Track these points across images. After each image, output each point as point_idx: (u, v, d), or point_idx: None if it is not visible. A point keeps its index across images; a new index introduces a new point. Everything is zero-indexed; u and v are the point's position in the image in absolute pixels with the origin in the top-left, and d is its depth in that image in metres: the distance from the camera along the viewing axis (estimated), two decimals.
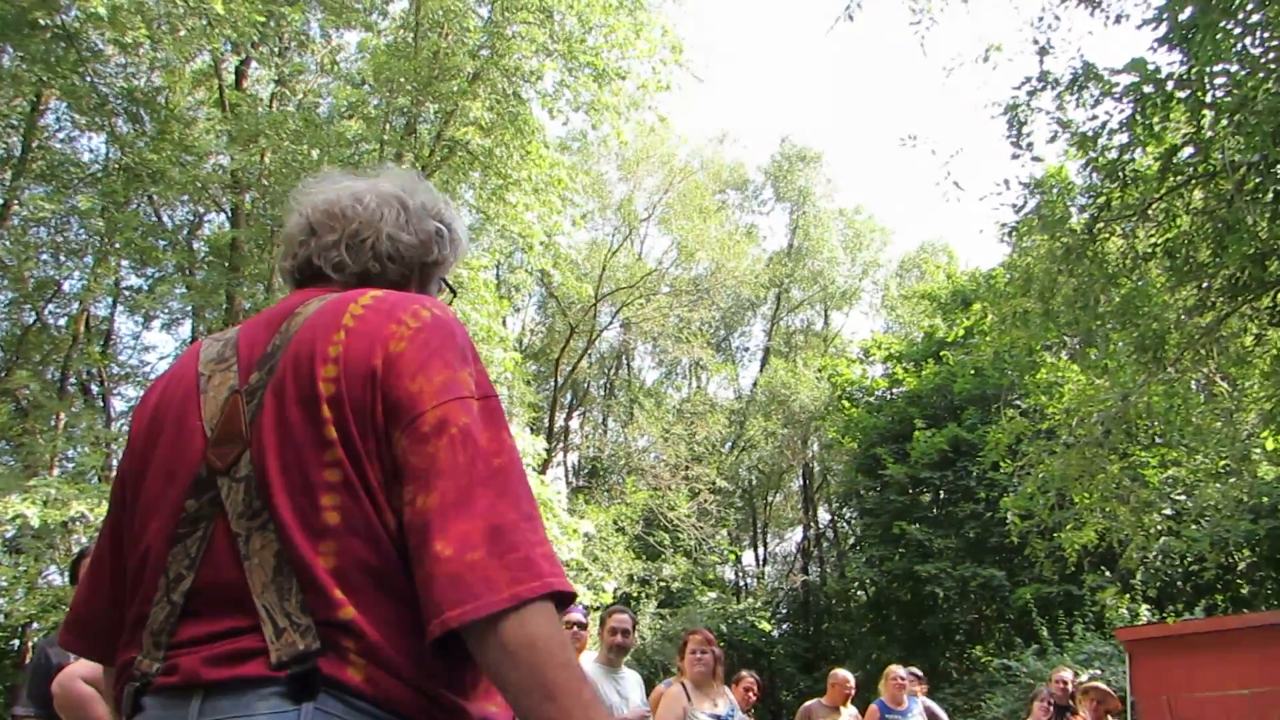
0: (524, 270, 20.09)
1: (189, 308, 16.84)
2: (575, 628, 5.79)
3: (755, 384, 31.13)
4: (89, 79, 12.59)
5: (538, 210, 14.54)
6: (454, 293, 1.76)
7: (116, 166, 14.28)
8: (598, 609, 16.43)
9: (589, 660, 5.70)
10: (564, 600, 1.22)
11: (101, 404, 18.43)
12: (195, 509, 1.30)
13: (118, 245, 14.38)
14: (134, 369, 19.98)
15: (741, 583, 30.76)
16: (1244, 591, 19.03)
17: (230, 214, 15.32)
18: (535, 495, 1.30)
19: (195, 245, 17.42)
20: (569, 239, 18.88)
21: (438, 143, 14.50)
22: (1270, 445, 10.70)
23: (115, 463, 18.09)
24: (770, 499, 32.22)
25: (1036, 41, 8.37)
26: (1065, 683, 8.68)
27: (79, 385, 18.25)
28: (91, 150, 16.69)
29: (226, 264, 14.53)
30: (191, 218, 18.44)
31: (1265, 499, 16.33)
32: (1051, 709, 8.28)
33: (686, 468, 25.33)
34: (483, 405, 1.30)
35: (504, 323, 15.22)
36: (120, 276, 17.16)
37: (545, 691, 1.15)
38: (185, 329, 18.99)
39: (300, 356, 1.32)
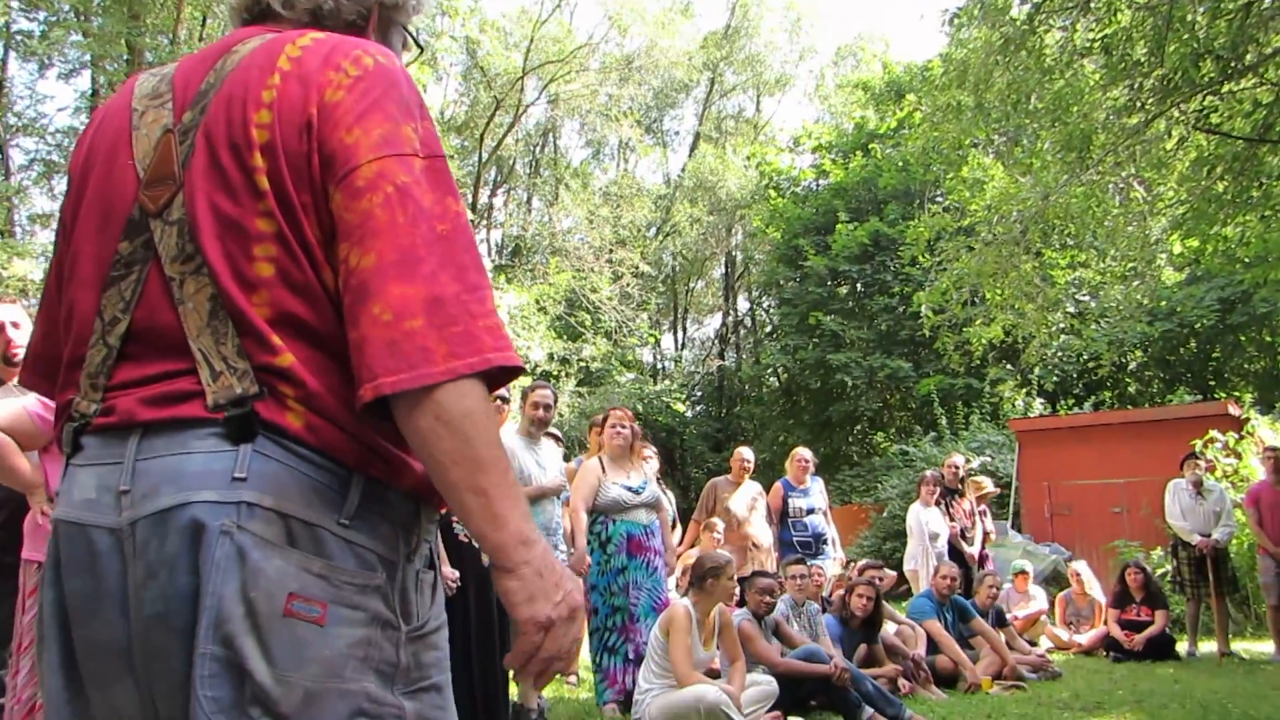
0: (449, 35, 19.05)
1: (87, 57, 15.75)
2: (498, 401, 5.88)
3: (683, 169, 30.76)
4: None
5: None
6: (421, 49, 1.66)
7: None
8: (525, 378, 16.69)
9: (510, 431, 5.82)
10: (510, 374, 1.20)
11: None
12: (129, 251, 1.28)
13: None
14: (31, 120, 18.89)
15: (659, 365, 31.48)
16: (1131, 390, 20.17)
17: None
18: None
19: None
20: (497, 3, 17.86)
21: None
22: (1177, 249, 11.02)
23: (18, 216, 17.39)
24: (692, 285, 32.56)
25: None
26: (957, 467, 9.18)
27: None
28: None
29: (126, 11, 13.48)
30: None
31: (1164, 303, 17.05)
32: (937, 490, 8.79)
33: (610, 250, 25.25)
34: (427, 165, 1.24)
35: (424, 89, 14.54)
36: (10, 18, 15.87)
37: (477, 464, 1.15)
38: (84, 80, 17.90)
39: (233, 98, 1.26)
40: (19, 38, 16.65)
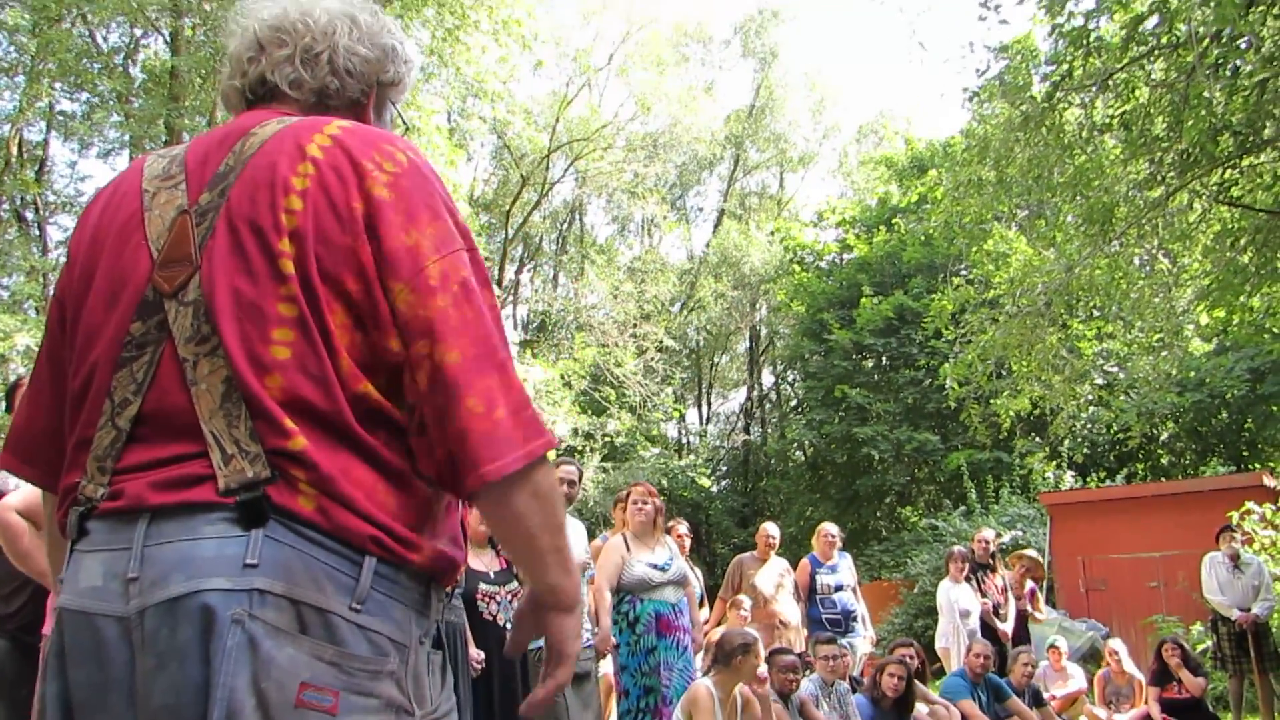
0: (478, 117, 19.52)
1: (126, 137, 16.24)
2: None
3: (708, 245, 31.02)
4: None
5: (495, 54, 14.04)
6: (406, 126, 1.72)
7: None
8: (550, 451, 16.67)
9: None
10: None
11: (37, 232, 17.92)
12: (141, 332, 1.27)
13: (50, 66, 13.64)
14: (70, 198, 19.39)
15: (684, 440, 31.38)
16: (1164, 461, 19.87)
17: (169, 40, 14.60)
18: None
19: (132, 71, 16.64)
20: (526, 86, 18.34)
21: None
22: (1204, 320, 10.97)
23: (52, 293, 17.80)
24: (716, 359, 32.57)
25: None
26: (987, 542, 9.03)
27: (13, 212, 17.69)
28: None
29: (166, 92, 13.93)
30: (127, 41, 17.57)
31: (1193, 373, 16.89)
32: (966, 566, 8.64)
33: (635, 325, 25.39)
34: (471, 257, 1.31)
35: (455, 168, 14.86)
36: (54, 99, 16.40)
37: (558, 528, 1.31)
38: (123, 159, 18.40)
39: (258, 183, 1.27)
40: (61, 118, 17.19)
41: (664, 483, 22.51)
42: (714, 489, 26.91)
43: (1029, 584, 9.14)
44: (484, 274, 1.33)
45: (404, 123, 1.67)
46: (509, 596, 5.04)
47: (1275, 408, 18.39)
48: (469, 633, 4.75)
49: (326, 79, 1.47)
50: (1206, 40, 6.75)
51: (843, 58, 52.46)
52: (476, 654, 4.74)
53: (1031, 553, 9.57)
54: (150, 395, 1.24)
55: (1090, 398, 15.03)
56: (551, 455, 1.34)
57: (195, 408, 1.21)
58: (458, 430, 1.22)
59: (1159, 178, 8.13)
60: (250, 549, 1.15)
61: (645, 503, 5.96)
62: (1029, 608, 8.99)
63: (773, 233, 29.22)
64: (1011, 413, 12.15)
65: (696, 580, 7.33)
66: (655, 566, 5.78)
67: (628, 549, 5.79)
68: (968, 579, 8.59)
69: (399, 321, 1.24)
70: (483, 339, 1.25)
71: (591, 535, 7.12)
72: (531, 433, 1.25)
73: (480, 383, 1.22)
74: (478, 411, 1.21)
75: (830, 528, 8.27)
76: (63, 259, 17.89)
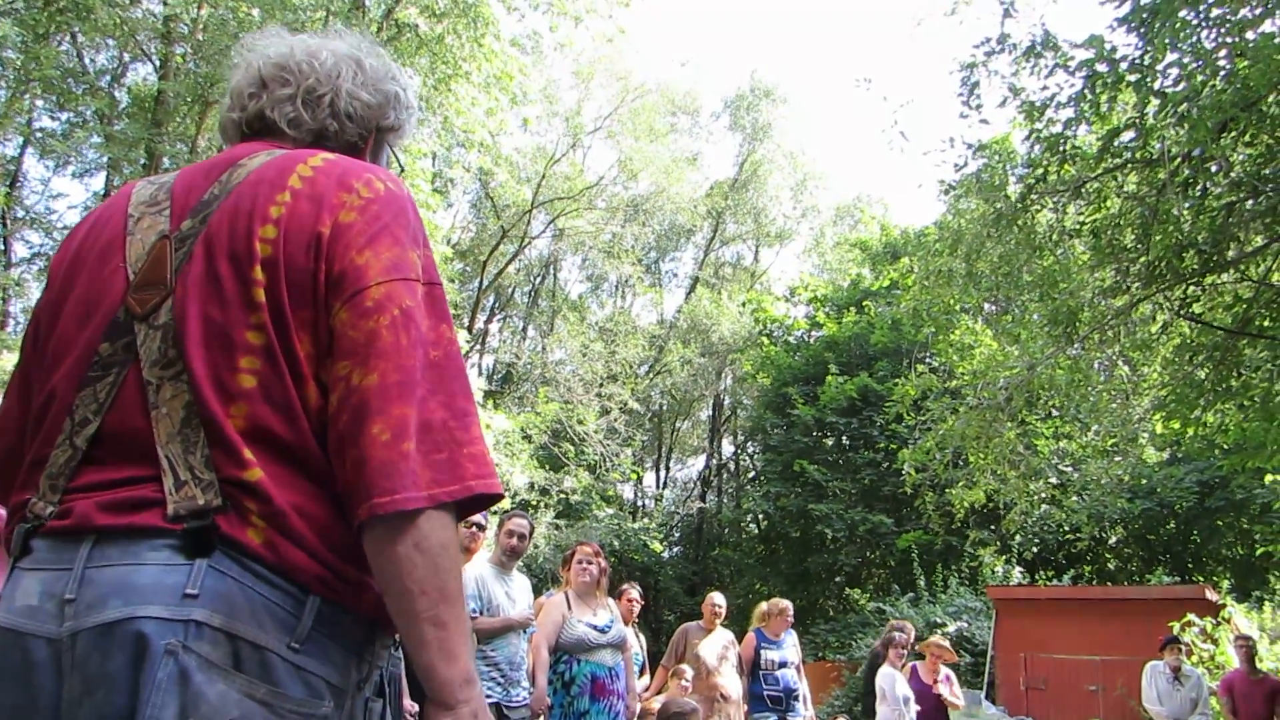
0: (461, 165, 19.63)
1: (105, 159, 16.12)
2: (474, 528, 5.80)
3: (679, 310, 31.24)
4: None
5: (485, 105, 14.18)
6: (402, 168, 1.70)
7: None
8: (504, 502, 16.53)
9: (482, 560, 5.73)
10: (490, 500, 1.21)
11: (2, 247, 17.69)
12: (109, 353, 1.25)
13: (34, 82, 13.58)
14: (40, 215, 19.17)
15: (640, 503, 31.25)
16: (1110, 566, 20.05)
17: (158, 65, 14.63)
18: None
19: (117, 94, 16.61)
20: (512, 139, 18.51)
21: (386, 21, 13.98)
22: (1159, 430, 11.15)
23: (12, 309, 17.51)
24: (678, 425, 32.61)
25: (1002, 2, 8.36)
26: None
27: None
28: None
29: (150, 117, 13.92)
30: (115, 64, 17.56)
31: (1144, 481, 17.12)
32: (905, 654, 8.58)
33: (600, 385, 25.41)
34: (428, 291, 1.27)
35: (434, 213, 14.91)
36: (33, 115, 16.30)
37: (444, 596, 1.16)
38: (100, 181, 18.25)
39: (238, 211, 1.26)
40: (39, 134, 17.07)
41: (616, 544, 22.37)
42: (665, 554, 26.76)
43: (943, 669, 9.08)
44: (443, 311, 1.28)
45: (399, 164, 1.67)
46: None
47: (1221, 523, 18.66)
48: (405, 683, 4.66)
49: (326, 121, 1.47)
50: (1179, 159, 6.96)
51: (826, 139, 53.51)
52: (411, 705, 4.65)
53: (939, 639, 9.53)
54: (110, 416, 1.22)
55: (1043, 496, 15.17)
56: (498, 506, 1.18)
57: (153, 431, 1.19)
58: (357, 456, 1.15)
59: (1124, 286, 8.31)
60: (192, 578, 1.12)
61: (590, 563, 5.90)
62: (944, 693, 8.92)
63: (744, 304, 29.51)
64: (965, 503, 12.21)
65: (639, 646, 7.26)
66: (595, 628, 5.72)
67: (569, 608, 5.73)
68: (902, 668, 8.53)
69: (332, 341, 1.21)
70: (407, 368, 1.17)
71: (538, 592, 7.04)
72: (442, 477, 1.16)
73: (393, 410, 1.15)
74: (382, 439, 1.14)
75: (785, 604, 8.21)
76: (26, 275, 17.67)
